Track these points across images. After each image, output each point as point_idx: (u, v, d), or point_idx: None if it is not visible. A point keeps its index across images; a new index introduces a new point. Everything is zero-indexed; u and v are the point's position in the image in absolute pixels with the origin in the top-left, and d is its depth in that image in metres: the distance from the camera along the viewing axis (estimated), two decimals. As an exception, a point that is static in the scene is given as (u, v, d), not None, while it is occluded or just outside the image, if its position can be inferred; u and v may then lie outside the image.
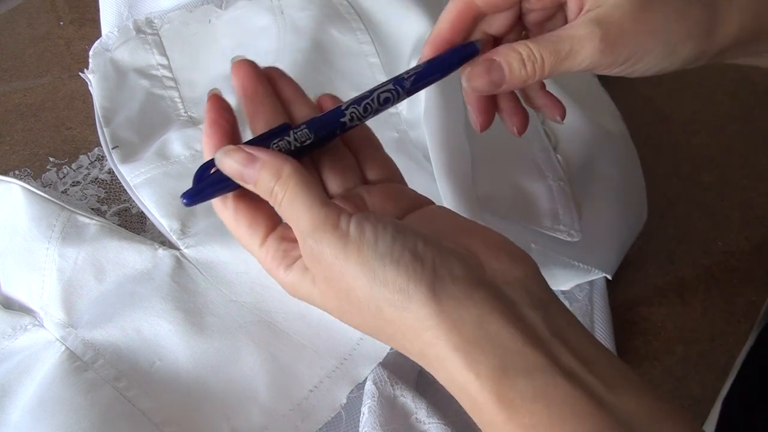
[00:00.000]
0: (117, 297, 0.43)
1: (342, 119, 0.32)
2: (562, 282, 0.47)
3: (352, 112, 0.32)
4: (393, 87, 0.32)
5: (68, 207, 0.46)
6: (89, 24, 0.74)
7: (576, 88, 0.57)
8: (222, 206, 0.31)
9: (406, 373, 0.41)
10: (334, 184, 0.33)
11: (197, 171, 0.31)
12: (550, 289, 0.28)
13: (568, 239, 0.47)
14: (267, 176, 0.28)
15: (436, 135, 0.47)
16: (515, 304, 0.27)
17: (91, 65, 0.57)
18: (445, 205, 0.45)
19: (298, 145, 0.31)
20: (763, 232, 0.55)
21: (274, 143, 0.30)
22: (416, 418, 0.38)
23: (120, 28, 0.59)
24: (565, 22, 0.35)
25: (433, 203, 0.33)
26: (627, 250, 0.52)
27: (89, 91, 0.56)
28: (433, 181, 0.47)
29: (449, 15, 0.34)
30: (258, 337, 0.41)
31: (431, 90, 0.49)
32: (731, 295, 0.51)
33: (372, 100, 0.32)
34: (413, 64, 0.51)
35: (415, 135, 0.51)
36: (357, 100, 0.32)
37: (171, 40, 0.58)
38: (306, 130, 0.31)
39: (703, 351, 0.48)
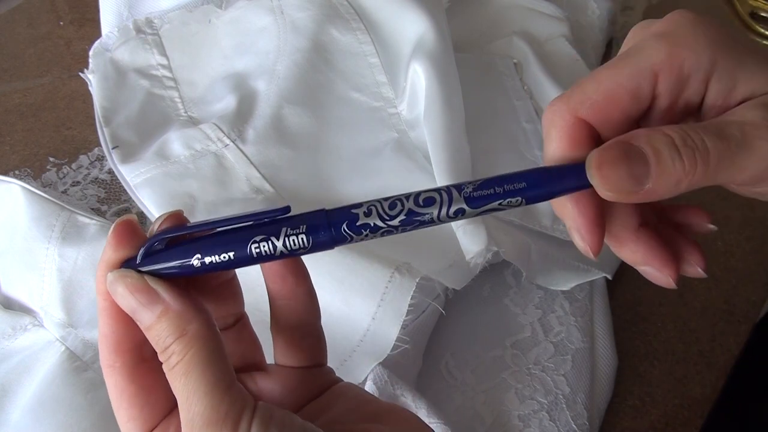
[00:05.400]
0: (117, 297, 0.43)
1: (357, 222, 0.22)
2: (562, 282, 0.47)
3: (372, 207, 0.23)
4: (445, 188, 0.23)
5: (68, 207, 0.46)
6: (89, 24, 0.74)
7: (571, 81, 0.57)
8: (110, 365, 0.23)
9: (406, 372, 0.41)
10: (234, 353, 0.27)
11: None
12: None
13: (568, 239, 0.47)
14: (166, 328, 0.22)
15: (436, 135, 0.47)
16: None
17: (91, 65, 0.57)
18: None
19: (286, 252, 0.23)
20: (763, 232, 0.55)
21: (255, 241, 0.22)
22: (416, 418, 0.38)
23: (120, 28, 0.58)
24: None
25: (339, 381, 0.28)
26: (627, 250, 0.52)
27: (89, 91, 0.56)
28: (433, 181, 0.47)
29: (558, 133, 0.25)
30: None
31: (431, 90, 0.49)
32: (731, 295, 0.51)
33: (406, 197, 0.23)
34: (413, 64, 0.52)
35: (415, 135, 0.51)
36: (384, 198, 0.23)
37: (171, 40, 0.58)
38: (303, 235, 0.22)
39: (703, 351, 0.48)
